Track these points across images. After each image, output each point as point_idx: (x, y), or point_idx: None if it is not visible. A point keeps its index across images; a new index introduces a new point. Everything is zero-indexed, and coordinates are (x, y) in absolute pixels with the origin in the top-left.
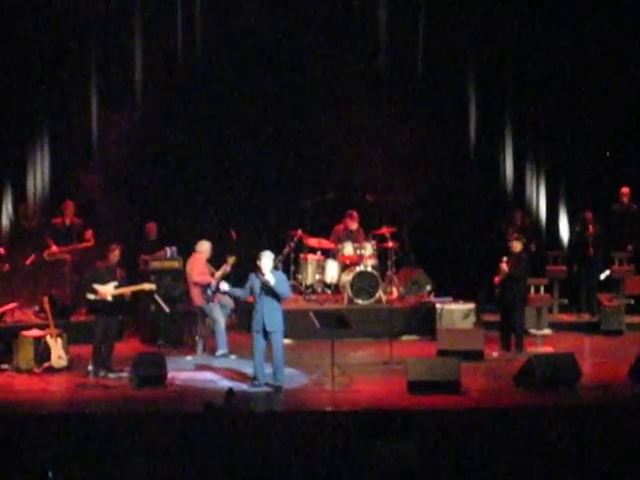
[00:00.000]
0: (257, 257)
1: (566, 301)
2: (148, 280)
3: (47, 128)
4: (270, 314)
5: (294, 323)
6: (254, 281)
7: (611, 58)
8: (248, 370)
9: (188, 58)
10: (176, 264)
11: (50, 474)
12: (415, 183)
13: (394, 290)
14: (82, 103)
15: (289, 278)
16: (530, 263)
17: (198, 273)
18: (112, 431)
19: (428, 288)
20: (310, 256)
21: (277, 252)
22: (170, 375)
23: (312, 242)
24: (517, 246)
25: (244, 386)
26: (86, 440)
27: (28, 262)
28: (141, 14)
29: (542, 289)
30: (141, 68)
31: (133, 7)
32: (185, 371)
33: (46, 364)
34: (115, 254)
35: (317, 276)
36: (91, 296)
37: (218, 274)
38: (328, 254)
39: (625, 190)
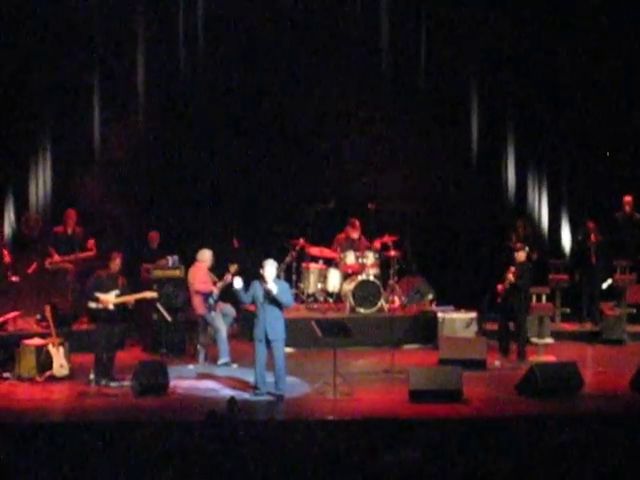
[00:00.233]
0: (260, 266)
1: (568, 310)
2: (150, 289)
3: (49, 136)
4: (272, 323)
5: (296, 332)
6: (257, 289)
7: (615, 64)
8: (250, 379)
9: (190, 65)
10: (178, 273)
11: None
12: (417, 191)
13: (396, 299)
14: (85, 111)
15: (291, 287)
16: (532, 272)
17: (200, 282)
18: (114, 440)
19: (430, 297)
20: (312, 265)
21: (279, 261)
22: (172, 384)
23: (314, 251)
24: (521, 255)
25: (246, 395)
26: (87, 449)
27: (30, 271)
28: (144, 21)
29: (544, 298)
30: (144, 76)
31: (136, 14)
32: (187, 380)
33: (48, 373)
34: (117, 262)
35: (319, 285)
36: (93, 305)
37: (220, 283)
38: (330, 263)
39: (628, 199)
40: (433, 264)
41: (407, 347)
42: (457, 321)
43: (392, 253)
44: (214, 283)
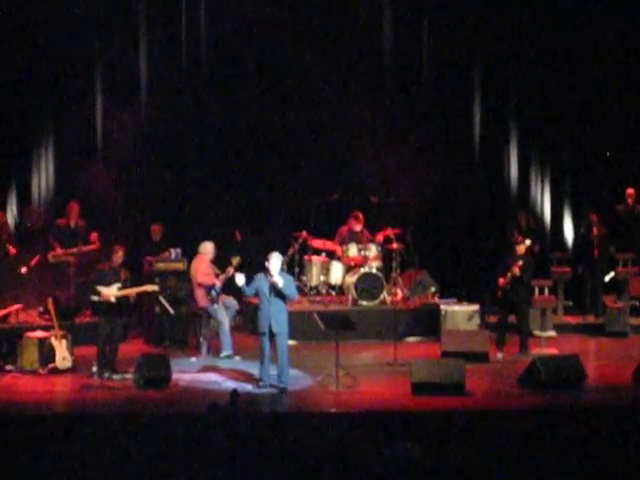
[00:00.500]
0: (264, 258)
1: (571, 303)
2: (152, 281)
3: (52, 129)
4: (277, 315)
5: (298, 324)
6: (261, 282)
7: (615, 60)
8: (252, 371)
9: (193, 57)
10: (180, 265)
11: None
12: (420, 184)
13: (398, 291)
14: (87, 104)
15: (293, 279)
16: (534, 264)
17: (202, 274)
18: (116, 432)
19: (432, 289)
20: (314, 257)
21: (282, 253)
22: (174, 376)
23: (317, 243)
24: (522, 249)
25: (249, 387)
26: (90, 441)
27: (32, 263)
28: (146, 12)
29: (546, 290)
30: (146, 68)
31: (138, 5)
32: (190, 372)
33: (50, 365)
34: (119, 255)
35: (322, 277)
36: (95, 297)
37: (222, 276)
38: (333, 255)
39: (630, 191)
40: (436, 257)
41: (410, 340)
42: (460, 314)
43: (395, 246)
44: (216, 276)
